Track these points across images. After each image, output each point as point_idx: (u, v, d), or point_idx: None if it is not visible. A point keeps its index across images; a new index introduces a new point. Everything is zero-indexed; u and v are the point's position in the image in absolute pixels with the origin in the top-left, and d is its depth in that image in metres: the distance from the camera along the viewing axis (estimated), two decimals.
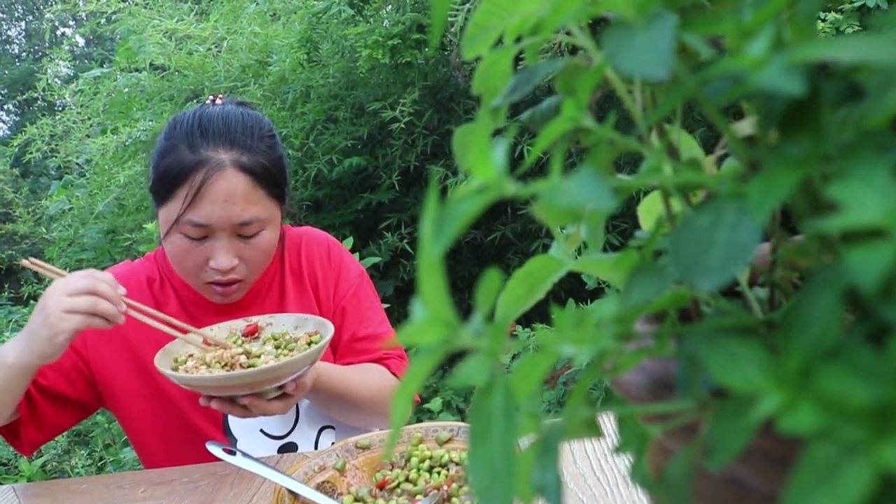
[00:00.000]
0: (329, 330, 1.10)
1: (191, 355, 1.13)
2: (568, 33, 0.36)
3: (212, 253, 1.15)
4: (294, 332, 1.18)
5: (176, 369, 1.08)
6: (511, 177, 0.25)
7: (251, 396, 1.04)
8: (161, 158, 1.16)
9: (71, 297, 1.02)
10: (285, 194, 1.24)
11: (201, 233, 1.14)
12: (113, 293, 1.04)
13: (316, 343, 1.11)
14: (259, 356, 1.12)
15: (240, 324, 1.20)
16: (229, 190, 1.13)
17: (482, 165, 0.23)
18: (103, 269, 1.18)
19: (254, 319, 1.20)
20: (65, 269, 4.17)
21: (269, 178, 1.17)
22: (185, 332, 1.14)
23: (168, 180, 1.14)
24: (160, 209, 1.17)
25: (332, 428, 1.31)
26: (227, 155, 1.14)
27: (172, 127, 1.19)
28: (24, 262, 1.10)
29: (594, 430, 0.29)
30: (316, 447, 1.27)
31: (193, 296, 1.26)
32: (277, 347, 1.15)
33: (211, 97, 1.26)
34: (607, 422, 0.93)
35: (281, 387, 1.06)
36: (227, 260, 1.15)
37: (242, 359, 1.11)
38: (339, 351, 1.30)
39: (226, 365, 1.11)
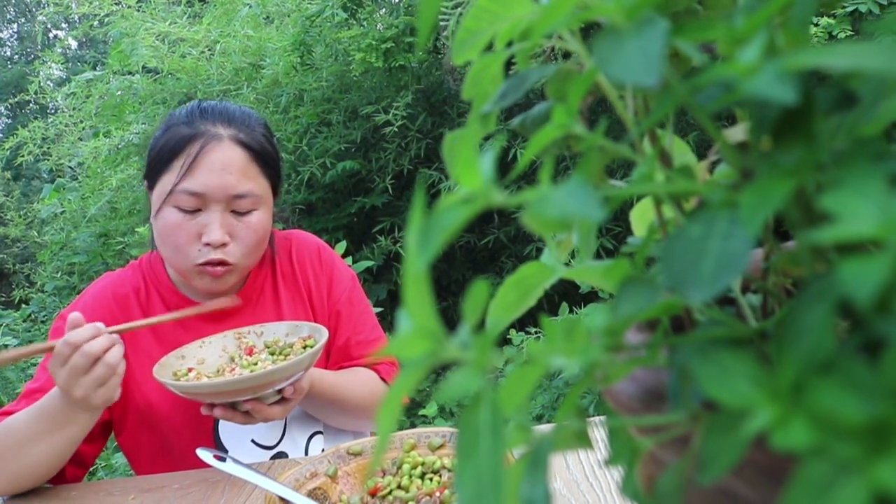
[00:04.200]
0: (323, 334, 1.10)
1: (190, 369, 1.12)
2: (559, 38, 0.35)
3: (204, 227, 1.14)
4: (286, 339, 1.18)
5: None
6: (501, 184, 0.25)
7: (253, 401, 1.04)
8: (158, 141, 1.17)
9: (90, 375, 1.00)
10: (279, 185, 1.24)
11: (195, 203, 1.13)
12: (99, 344, 1.01)
13: (311, 347, 1.11)
14: (256, 363, 1.12)
15: (231, 342, 1.19)
16: (226, 160, 1.13)
17: (469, 175, 0.22)
18: (95, 273, 1.17)
19: (244, 330, 1.19)
20: (57, 273, 4.15)
21: (266, 156, 1.19)
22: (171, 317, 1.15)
23: (164, 153, 1.15)
24: (154, 188, 1.17)
25: (321, 433, 1.30)
26: (226, 130, 1.16)
27: (170, 117, 1.21)
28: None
29: (585, 442, 0.29)
30: (306, 454, 1.26)
31: (182, 301, 1.24)
32: (273, 354, 1.15)
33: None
34: (599, 431, 0.93)
35: (280, 391, 1.06)
36: (220, 234, 1.13)
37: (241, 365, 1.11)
38: (332, 356, 1.30)
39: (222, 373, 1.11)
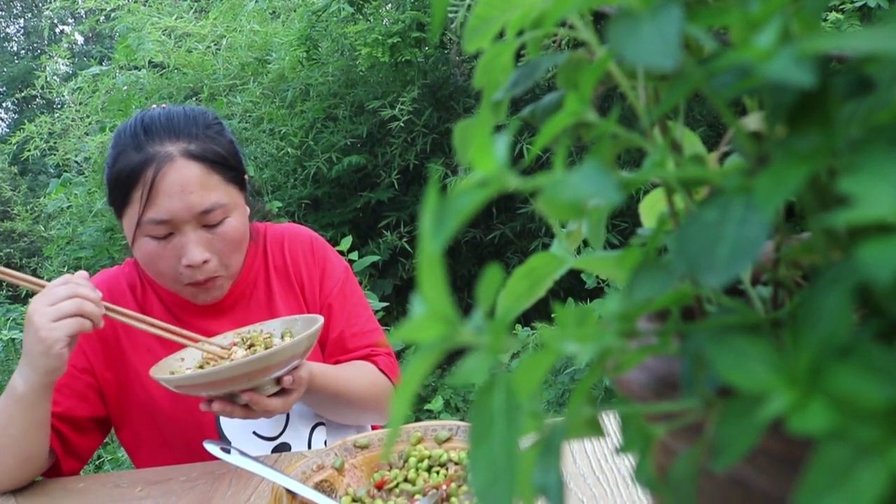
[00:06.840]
0: (318, 320, 1.09)
1: (188, 369, 1.12)
2: (570, 27, 0.35)
3: (181, 250, 1.13)
4: (278, 339, 1.17)
5: None
6: (513, 171, 0.25)
7: (250, 392, 1.03)
8: (111, 169, 1.15)
9: (54, 305, 1.01)
10: (245, 180, 1.22)
11: (165, 230, 1.12)
12: (94, 294, 1.04)
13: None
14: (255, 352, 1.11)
15: (226, 343, 1.19)
16: (182, 180, 1.11)
17: (484, 158, 0.22)
18: (101, 267, 1.17)
19: (243, 330, 1.19)
20: (63, 267, 4.16)
21: (223, 162, 1.16)
22: (166, 330, 1.12)
23: (121, 185, 1.12)
24: (122, 219, 1.16)
25: (323, 424, 1.30)
26: (174, 147, 1.12)
27: (118, 136, 1.18)
28: None
29: (596, 430, 0.29)
30: (309, 446, 1.27)
31: (178, 299, 1.24)
32: (267, 349, 1.14)
33: (154, 106, 1.25)
34: (609, 421, 0.93)
35: (278, 382, 1.06)
36: (198, 253, 1.13)
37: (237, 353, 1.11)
38: (327, 349, 1.30)
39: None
